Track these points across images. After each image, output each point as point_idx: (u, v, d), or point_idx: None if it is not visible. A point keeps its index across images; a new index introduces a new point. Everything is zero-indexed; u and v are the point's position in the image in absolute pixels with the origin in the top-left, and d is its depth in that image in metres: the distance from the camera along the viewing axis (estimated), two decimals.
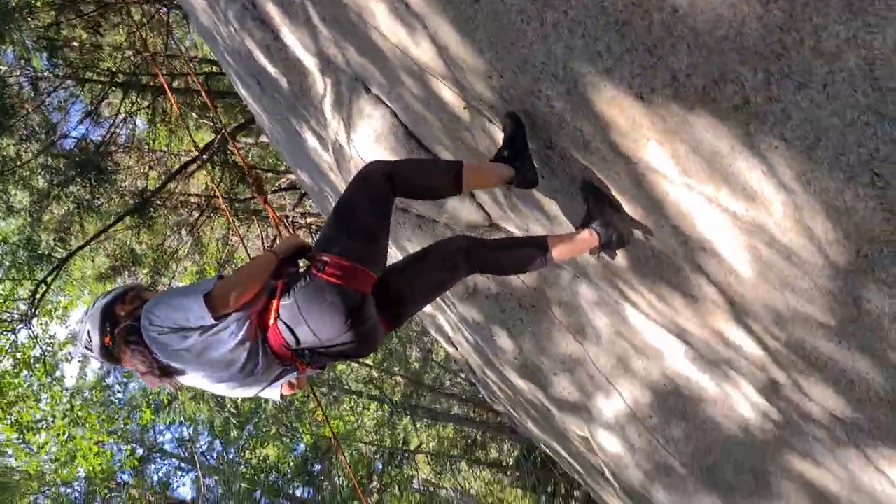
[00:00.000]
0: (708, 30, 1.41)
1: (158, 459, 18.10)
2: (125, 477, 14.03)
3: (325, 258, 2.29)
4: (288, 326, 2.31)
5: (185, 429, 17.17)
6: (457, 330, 5.46)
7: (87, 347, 2.48)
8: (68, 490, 13.35)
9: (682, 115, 1.70)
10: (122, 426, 14.31)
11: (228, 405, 13.07)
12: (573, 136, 2.22)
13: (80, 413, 11.03)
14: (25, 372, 10.82)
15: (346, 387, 17.57)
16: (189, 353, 2.31)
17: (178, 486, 18.27)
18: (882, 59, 1.22)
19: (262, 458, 17.13)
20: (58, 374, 11.68)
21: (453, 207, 3.82)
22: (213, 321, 2.22)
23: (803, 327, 2.14)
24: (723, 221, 1.97)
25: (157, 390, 13.32)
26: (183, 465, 18.33)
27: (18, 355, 10.58)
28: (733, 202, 1.85)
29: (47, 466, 12.23)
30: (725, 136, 1.63)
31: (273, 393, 2.61)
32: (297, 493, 18.48)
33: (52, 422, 10.89)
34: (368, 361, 17.35)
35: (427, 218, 4.02)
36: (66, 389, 11.65)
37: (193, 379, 2.45)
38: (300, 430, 16.37)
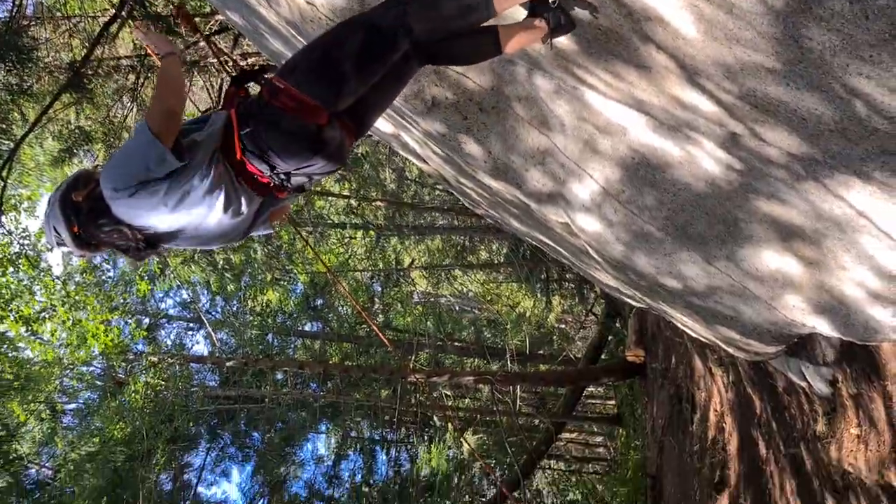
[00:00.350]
0: None
1: (166, 325, 18.76)
2: (140, 347, 14.62)
3: (279, 85, 2.20)
4: (257, 155, 2.27)
5: (183, 292, 17.63)
6: (424, 146, 5.49)
7: (59, 244, 2.42)
8: (89, 369, 13.95)
9: None
10: (122, 301, 14.63)
11: (220, 263, 13.32)
12: None
13: (77, 297, 11.20)
14: (11, 269, 10.85)
15: (329, 221, 17.81)
16: (167, 208, 2.24)
17: (193, 345, 19.01)
18: None
19: (264, 304, 17.75)
20: (44, 265, 11.74)
21: None
22: (176, 162, 2.12)
23: (752, 77, 2.20)
24: None
25: (146, 262, 13.54)
26: (191, 325, 19.02)
27: None
28: None
29: (62, 352, 12.68)
30: None
31: (264, 229, 2.60)
32: (307, 328, 19.39)
33: (54, 311, 11.11)
34: (345, 192, 17.47)
35: None
36: (57, 278, 11.75)
37: (179, 240, 2.41)
38: (295, 272, 16.82)
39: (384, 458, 20.18)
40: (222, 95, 2.46)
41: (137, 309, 16.94)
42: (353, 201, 17.49)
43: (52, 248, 2.50)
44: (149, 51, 2.37)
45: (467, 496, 19.29)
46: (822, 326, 3.93)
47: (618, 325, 16.71)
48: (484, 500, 18.56)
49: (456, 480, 16.78)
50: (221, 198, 2.29)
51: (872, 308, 3.38)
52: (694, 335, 6.77)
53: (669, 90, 2.74)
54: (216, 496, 20.22)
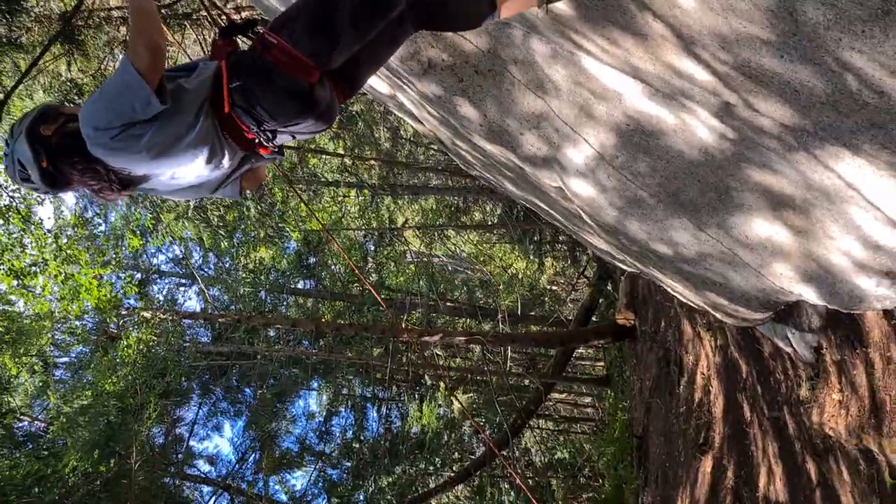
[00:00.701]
0: None
1: (158, 280, 18.81)
2: (132, 302, 14.66)
3: (272, 39, 2.14)
4: (244, 110, 2.22)
5: (176, 248, 17.64)
6: (420, 107, 5.47)
7: (24, 179, 2.32)
8: (81, 323, 14.00)
9: None
10: (114, 256, 14.63)
11: (213, 220, 13.32)
12: None
13: (69, 251, 11.14)
14: (1, 222, 10.79)
15: (323, 179, 17.76)
16: (148, 154, 2.16)
17: (185, 301, 19.13)
18: None
19: (257, 261, 17.79)
20: (35, 218, 11.69)
21: None
22: (159, 105, 2.04)
23: (747, 47, 2.21)
24: None
25: (138, 217, 13.48)
26: (183, 281, 19.07)
27: None
28: None
29: (54, 306, 12.71)
30: None
31: (233, 190, 2.52)
32: (300, 286, 19.48)
33: (46, 264, 11.08)
34: (340, 150, 17.39)
35: None
36: (49, 231, 11.70)
37: (152, 184, 2.34)
38: (288, 229, 16.83)
39: (375, 415, 20.48)
40: (211, 47, 2.40)
41: (129, 264, 16.95)
42: (347, 160, 17.42)
43: (15, 183, 2.40)
44: None
45: (457, 454, 19.65)
46: (809, 294, 3.99)
47: (609, 287, 16.85)
48: (473, 457, 18.91)
49: (446, 438, 17.08)
50: (206, 151, 2.25)
51: (857, 277, 3.44)
52: (683, 300, 6.85)
53: (665, 58, 2.74)
54: (208, 450, 20.59)
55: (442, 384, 14.25)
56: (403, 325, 10.98)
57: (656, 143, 3.69)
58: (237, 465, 17.64)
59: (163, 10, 11.50)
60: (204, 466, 17.91)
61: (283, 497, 18.08)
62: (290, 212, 15.30)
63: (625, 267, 7.98)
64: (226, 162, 2.34)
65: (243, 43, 2.52)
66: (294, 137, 2.44)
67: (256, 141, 2.31)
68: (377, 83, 6.02)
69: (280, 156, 2.49)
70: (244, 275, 17.14)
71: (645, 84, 3.25)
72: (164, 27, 2.10)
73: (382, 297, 17.76)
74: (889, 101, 1.95)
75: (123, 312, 13.84)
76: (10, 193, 10.86)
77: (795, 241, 3.61)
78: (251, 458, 17.81)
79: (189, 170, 2.31)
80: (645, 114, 3.53)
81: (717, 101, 2.81)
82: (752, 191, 3.54)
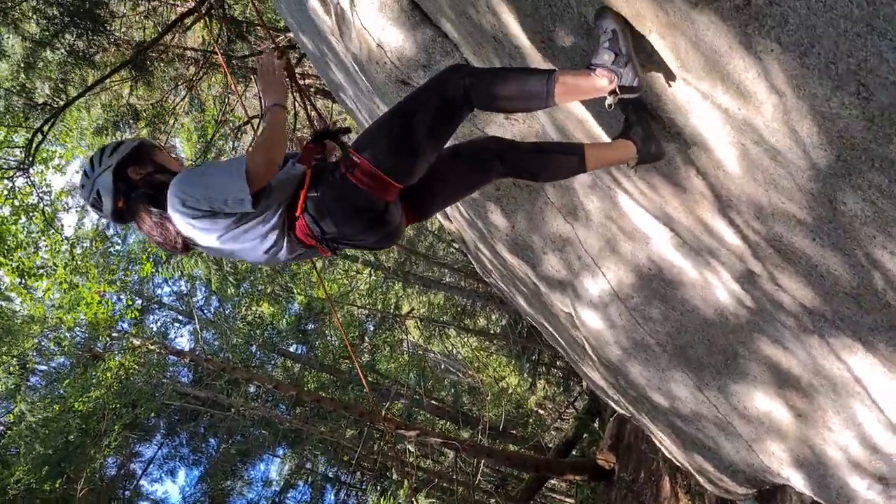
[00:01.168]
0: None
1: (157, 311, 18.73)
2: (125, 326, 14.55)
3: (356, 159, 2.22)
4: (314, 218, 2.30)
5: (183, 283, 17.65)
6: (452, 205, 5.56)
7: (94, 206, 2.45)
8: (70, 335, 13.87)
9: (684, 10, 1.71)
10: (122, 277, 14.66)
11: (226, 265, 13.38)
12: (576, 22, 2.22)
13: (80, 262, 11.17)
14: (23, 219, 10.88)
15: (340, 251, 17.87)
16: (219, 238, 2.30)
17: (176, 337, 19.00)
18: None
19: (257, 314, 17.71)
20: (56, 223, 11.78)
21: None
22: (251, 208, 2.18)
23: (782, 223, 2.24)
24: (716, 118, 2.02)
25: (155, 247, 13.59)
26: (181, 317, 18.97)
27: (16, 202, 10.60)
28: (727, 100, 1.89)
29: (50, 312, 12.62)
30: (725, 35, 1.65)
31: (282, 265, 2.63)
32: (291, 349, 19.28)
33: (54, 269, 11.08)
34: None
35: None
36: (66, 238, 11.76)
37: (211, 252, 2.46)
38: (295, 291, 16.82)
39: (332, 498, 19.78)
40: (301, 146, 2.53)
41: (134, 288, 16.95)
42: None
43: (85, 203, 2.52)
44: (260, 90, 2.42)
45: None
46: (797, 481, 3.88)
47: (596, 425, 16.48)
48: None
49: None
50: (269, 243, 2.35)
51: (850, 475, 3.35)
52: (669, 456, 6.68)
53: (700, 214, 2.78)
54: (157, 493, 19.85)
55: (407, 482, 13.79)
56: (383, 413, 10.75)
57: (674, 293, 3.69)
58: None
59: (233, 61, 11.94)
60: None
61: None
62: (302, 275, 15.35)
63: (617, 408, 7.83)
64: (283, 255, 2.43)
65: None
66: (355, 248, 2.53)
67: (317, 244, 2.41)
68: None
69: (336, 255, 2.57)
70: (241, 325, 17.03)
71: (675, 234, 3.29)
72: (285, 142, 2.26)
73: (369, 380, 17.50)
74: None
75: (114, 334, 13.72)
76: (40, 194, 11.00)
77: (794, 423, 3.54)
78: None
79: (248, 254, 2.43)
80: (668, 262, 3.55)
81: (742, 267, 2.83)
82: (760, 363, 3.50)
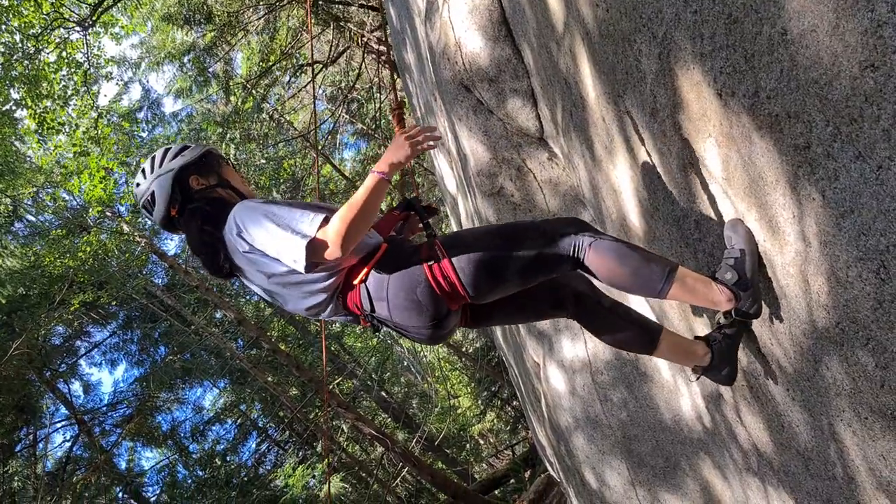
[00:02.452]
0: (805, 65, 1.39)
1: None
2: (122, 210, 14.56)
3: (440, 255, 2.10)
4: (370, 296, 2.16)
5: None
6: (469, 219, 5.55)
7: (145, 208, 2.32)
8: (68, 197, 13.89)
9: (748, 129, 1.69)
10: (136, 162, 14.68)
11: None
12: (646, 98, 2.21)
13: (100, 132, 11.08)
14: (64, 71, 10.79)
15: None
16: (265, 278, 2.18)
17: (165, 240, 18.98)
18: None
19: None
20: (94, 88, 11.76)
21: (513, 108, 3.80)
22: (303, 273, 2.04)
23: (765, 364, 2.22)
24: None
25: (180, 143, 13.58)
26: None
27: (64, 54, 10.56)
28: (757, 228, 1.88)
29: (56, 170, 12.61)
30: (776, 167, 1.64)
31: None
32: None
33: (74, 130, 11.04)
34: (381, 205, 17.56)
35: (485, 106, 4.01)
36: (97, 106, 11.72)
37: (255, 286, 2.30)
38: None
39: (254, 446, 19.78)
40: (386, 211, 2.39)
41: None
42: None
43: (136, 202, 2.38)
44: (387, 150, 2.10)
45: None
46: None
47: (526, 476, 16.43)
48: None
49: None
50: (315, 301, 2.22)
51: None
52: None
53: (692, 322, 2.77)
54: (91, 377, 19.90)
55: (327, 460, 13.77)
56: (330, 387, 10.74)
57: (642, 385, 3.67)
58: (105, 409, 16.99)
59: (319, 2, 11.94)
60: (77, 389, 17.29)
61: (122, 465, 17.26)
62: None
63: (550, 469, 7.80)
64: (325, 315, 2.30)
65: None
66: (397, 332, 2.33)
67: (360, 316, 2.26)
68: (449, 178, 6.15)
69: (375, 333, 2.40)
70: None
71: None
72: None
73: (331, 349, 17.48)
74: (853, 486, 1.93)
75: (108, 213, 13.74)
76: (90, 55, 11.00)
77: None
78: (122, 410, 17.16)
79: (290, 302, 2.28)
80: (647, 357, 3.52)
81: (714, 388, 2.81)
82: (696, 482, 3.48)
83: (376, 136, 14.49)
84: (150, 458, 19.06)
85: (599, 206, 3.31)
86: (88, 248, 11.97)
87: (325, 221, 2.00)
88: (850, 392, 1.74)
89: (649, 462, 3.83)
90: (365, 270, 2.14)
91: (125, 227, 13.42)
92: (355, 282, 2.16)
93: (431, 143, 2.08)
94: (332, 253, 1.97)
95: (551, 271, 2.17)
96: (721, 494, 3.30)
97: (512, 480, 16.98)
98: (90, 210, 12.23)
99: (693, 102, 1.92)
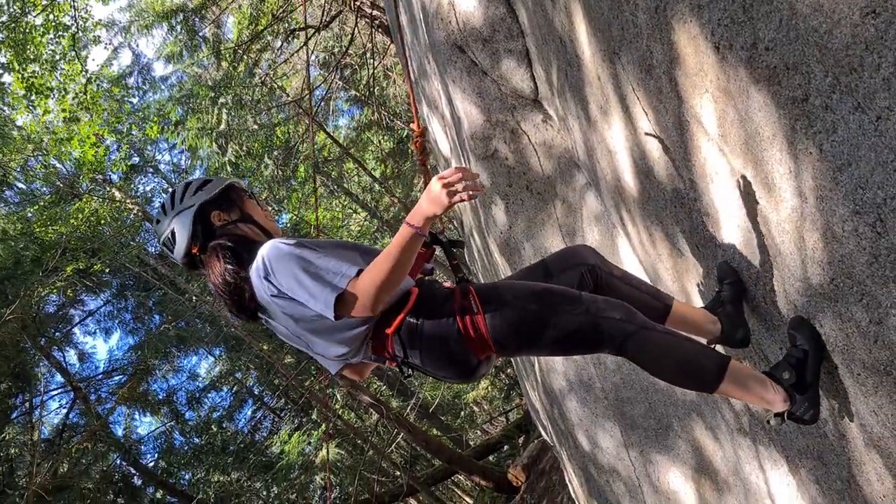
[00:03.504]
0: (804, 14, 1.36)
1: (150, 175, 18.63)
2: (113, 177, 14.43)
3: (473, 306, 2.05)
4: (402, 344, 2.12)
5: (184, 158, 17.53)
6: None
7: (165, 246, 2.26)
8: (59, 165, 13.73)
9: (745, 83, 1.67)
10: (126, 129, 14.46)
11: (230, 155, 13.23)
12: (642, 55, 2.17)
13: (91, 97, 10.86)
14: (52, 35, 10.51)
15: (346, 186, 17.81)
16: (293, 322, 2.12)
17: (159, 208, 18.88)
18: None
19: None
20: (83, 52, 11.51)
21: (508, 69, 3.75)
22: (331, 318, 1.95)
23: (756, 321, 2.22)
24: (735, 198, 1.98)
25: (172, 112, 13.42)
26: (170, 188, 18.88)
27: (51, 16, 10.30)
28: (752, 185, 1.86)
29: (45, 138, 12.43)
30: (774, 122, 1.61)
31: (331, 366, 2.35)
32: None
33: (63, 95, 10.83)
34: (376, 173, 17.52)
35: (479, 67, 3.95)
36: (86, 70, 11.47)
37: (281, 330, 2.24)
38: (287, 206, 16.74)
39: (249, 413, 19.90)
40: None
41: (135, 145, 16.82)
42: (377, 185, 17.52)
43: (156, 237, 2.32)
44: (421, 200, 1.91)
45: (295, 496, 18.96)
46: None
47: (520, 441, 16.61)
48: None
49: (295, 475, 16.48)
50: (344, 350, 2.19)
51: None
52: (574, 496, 6.73)
53: (685, 283, 2.76)
54: (86, 345, 19.90)
55: (324, 426, 13.88)
56: None
57: None
58: (101, 376, 17.03)
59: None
60: (72, 358, 17.32)
61: (119, 431, 17.37)
62: (299, 192, 15.27)
63: (543, 433, 7.88)
64: (350, 358, 2.25)
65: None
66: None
67: (387, 360, 2.22)
68: (442, 142, 6.10)
69: (403, 376, 2.33)
70: None
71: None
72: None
73: None
74: (844, 442, 1.94)
75: (99, 179, 13.61)
76: (76, 17, 10.76)
77: None
78: (117, 378, 17.22)
79: (318, 348, 2.23)
80: None
81: None
82: (688, 443, 3.50)
83: (370, 102, 14.36)
84: (146, 424, 19.16)
85: (594, 167, 3.29)
86: (80, 216, 11.87)
87: (359, 274, 1.94)
88: (843, 348, 1.73)
89: (641, 424, 3.86)
90: (398, 320, 2.09)
91: (117, 195, 13.30)
92: (388, 331, 2.11)
93: (472, 193, 1.83)
94: (364, 310, 1.93)
95: (587, 349, 2.12)
96: (712, 455, 3.33)
97: (506, 447, 17.17)
98: (81, 177, 12.08)
99: (690, 57, 1.89)
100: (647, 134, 2.43)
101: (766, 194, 1.80)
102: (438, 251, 2.34)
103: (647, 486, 4.00)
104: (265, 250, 2.05)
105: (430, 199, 1.84)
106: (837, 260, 1.57)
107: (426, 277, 2.34)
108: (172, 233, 2.20)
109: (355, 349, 2.20)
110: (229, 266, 2.10)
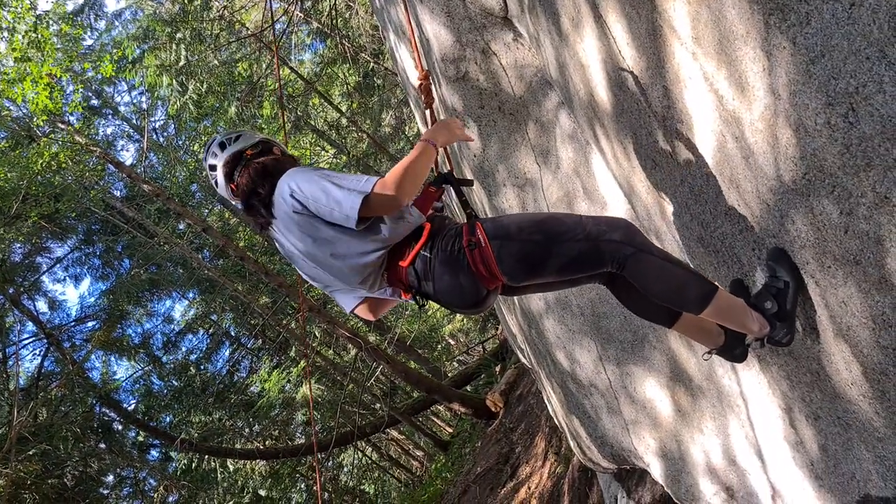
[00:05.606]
0: None
1: (110, 117, 18.12)
2: (72, 120, 13.94)
3: (482, 240, 2.19)
4: (416, 275, 2.28)
5: (144, 99, 17.04)
6: (436, 112, 5.46)
7: (215, 181, 2.57)
8: (12, 107, 13.23)
9: None
10: (80, 69, 13.92)
11: (191, 91, 12.85)
12: None
13: (41, 37, 10.40)
14: None
15: (312, 123, 17.53)
16: (311, 241, 2.29)
17: (121, 151, 18.43)
18: None
19: None
20: None
21: None
22: (353, 226, 2.15)
23: (730, 225, 2.27)
24: (709, 102, 2.00)
25: (129, 49, 12.92)
26: (131, 132, 18.42)
27: None
28: (725, 87, 1.88)
29: None
30: (746, 19, 1.62)
31: (347, 302, 2.56)
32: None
33: (12, 34, 10.36)
34: (343, 108, 17.23)
35: None
36: (36, 8, 10.94)
37: (286, 246, 2.44)
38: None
39: (227, 355, 20.00)
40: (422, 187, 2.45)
41: (92, 86, 16.29)
42: (344, 120, 17.26)
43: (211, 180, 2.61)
44: (430, 127, 2.39)
45: (277, 432, 19.28)
46: (655, 469, 4.08)
47: (497, 370, 16.96)
48: (289, 443, 18.59)
49: (276, 412, 16.72)
50: (358, 278, 2.33)
51: (703, 478, 3.53)
52: (552, 414, 6.93)
53: (659, 196, 2.80)
54: (56, 293, 19.68)
55: (303, 363, 14.03)
56: (301, 291, 10.80)
57: None
58: (73, 323, 16.92)
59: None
60: (42, 306, 17.14)
61: (97, 376, 17.38)
62: (265, 129, 14.99)
63: (521, 357, 8.04)
64: (364, 291, 2.43)
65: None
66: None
67: (404, 291, 2.39)
68: (412, 70, 6.00)
69: (420, 308, 2.51)
70: (190, 160, 16.63)
71: (631, 207, 3.32)
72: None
73: None
74: (814, 336, 2.02)
75: (59, 125, 13.21)
76: None
77: (672, 417, 3.70)
78: (91, 324, 17.12)
79: (333, 274, 2.39)
80: None
81: (683, 257, 2.88)
82: (663, 353, 3.62)
83: (333, 35, 14.00)
84: (123, 368, 19.19)
85: (566, 84, 3.28)
86: (40, 161, 11.52)
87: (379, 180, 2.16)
88: (815, 242, 1.79)
89: (617, 337, 3.97)
90: (413, 253, 2.27)
91: (77, 138, 12.90)
92: (403, 264, 2.29)
93: (466, 138, 2.43)
94: (392, 204, 2.13)
95: (589, 272, 2.25)
96: (686, 362, 3.44)
97: (483, 375, 17.54)
98: (36, 119, 11.64)
99: None
100: (616, 37, 2.43)
101: (740, 95, 1.82)
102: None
103: (624, 398, 4.14)
104: (288, 173, 2.31)
105: (441, 128, 2.34)
106: (810, 154, 1.61)
107: (437, 214, 2.50)
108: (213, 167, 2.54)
109: (371, 278, 2.34)
110: (258, 189, 2.37)
